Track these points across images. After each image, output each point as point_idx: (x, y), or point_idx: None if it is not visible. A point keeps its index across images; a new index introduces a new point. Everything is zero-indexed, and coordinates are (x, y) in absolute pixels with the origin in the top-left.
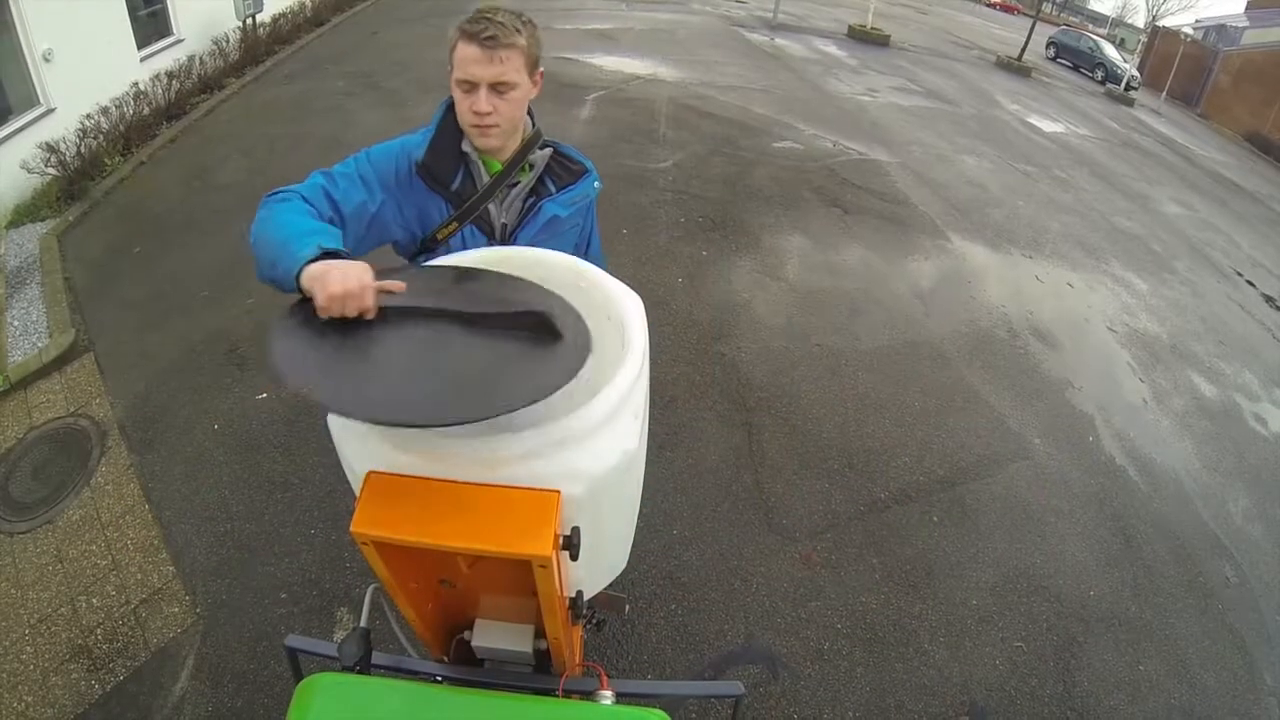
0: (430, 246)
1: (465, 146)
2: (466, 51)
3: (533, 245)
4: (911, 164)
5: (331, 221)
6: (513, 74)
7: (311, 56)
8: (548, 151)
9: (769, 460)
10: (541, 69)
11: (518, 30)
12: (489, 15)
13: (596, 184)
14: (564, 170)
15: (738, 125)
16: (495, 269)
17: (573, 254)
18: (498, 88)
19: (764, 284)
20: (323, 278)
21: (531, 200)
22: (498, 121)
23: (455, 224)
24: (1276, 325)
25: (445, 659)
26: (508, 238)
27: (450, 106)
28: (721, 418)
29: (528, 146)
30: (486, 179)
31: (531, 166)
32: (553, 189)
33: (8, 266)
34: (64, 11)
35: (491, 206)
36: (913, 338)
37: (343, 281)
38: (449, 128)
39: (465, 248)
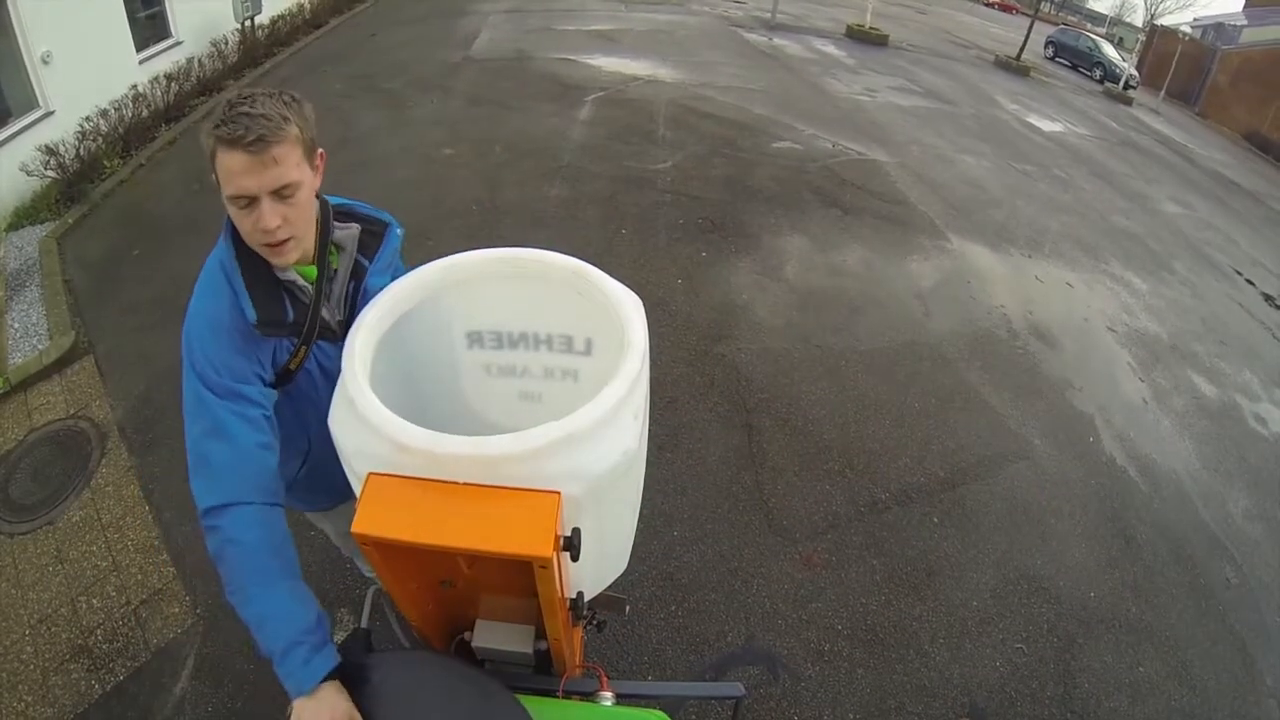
0: (286, 379)
1: (278, 273)
2: (231, 161)
3: None
4: (910, 164)
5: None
6: (293, 172)
7: (310, 58)
8: (355, 230)
9: (769, 461)
10: (321, 149)
11: (285, 118)
12: (246, 109)
13: (399, 232)
14: (369, 236)
15: (737, 126)
16: (496, 266)
17: None
18: (281, 194)
19: (764, 285)
20: None
21: (352, 284)
22: (292, 233)
23: (304, 348)
24: (1276, 324)
25: None
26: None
27: (234, 230)
28: (721, 419)
29: (325, 229)
30: (310, 289)
31: (340, 247)
32: (366, 263)
33: (8, 269)
34: (63, 14)
35: (325, 313)
36: (912, 338)
37: None
38: (250, 259)
39: (318, 364)
